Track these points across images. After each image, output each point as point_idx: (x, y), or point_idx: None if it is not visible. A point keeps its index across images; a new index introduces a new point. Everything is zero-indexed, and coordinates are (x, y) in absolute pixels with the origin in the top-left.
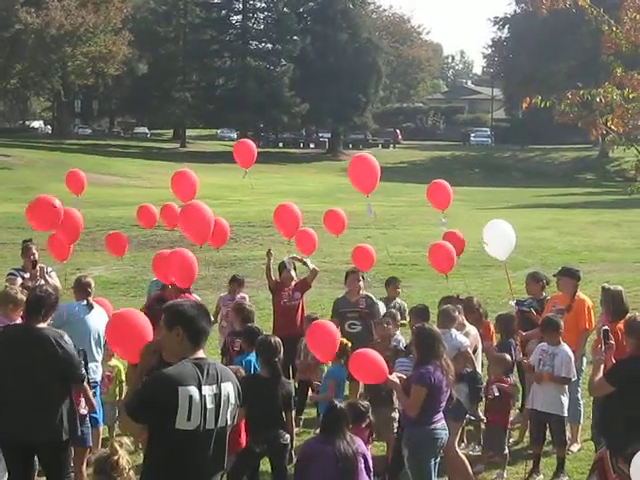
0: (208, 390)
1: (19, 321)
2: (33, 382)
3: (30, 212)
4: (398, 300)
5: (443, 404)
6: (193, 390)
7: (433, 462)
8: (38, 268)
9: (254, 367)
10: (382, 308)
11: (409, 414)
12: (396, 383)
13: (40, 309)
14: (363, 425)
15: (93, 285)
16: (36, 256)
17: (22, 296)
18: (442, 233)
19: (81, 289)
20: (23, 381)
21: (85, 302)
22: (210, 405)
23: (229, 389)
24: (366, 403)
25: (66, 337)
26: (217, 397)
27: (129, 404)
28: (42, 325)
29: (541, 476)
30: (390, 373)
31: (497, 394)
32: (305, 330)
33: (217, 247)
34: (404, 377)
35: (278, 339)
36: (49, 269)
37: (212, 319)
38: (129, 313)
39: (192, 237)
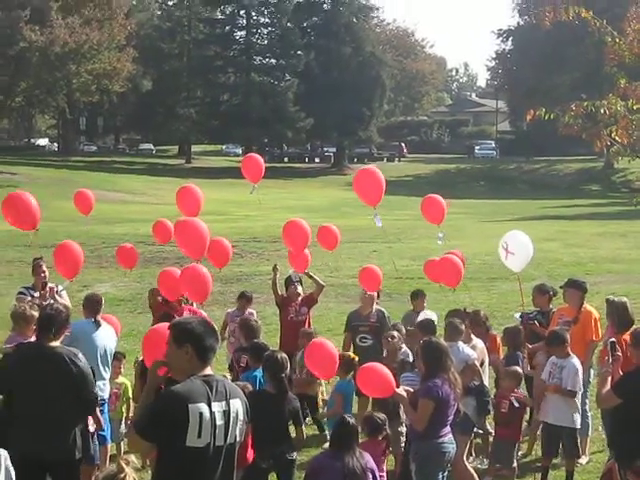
0: (217, 407)
1: (33, 339)
2: (47, 400)
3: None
4: (427, 312)
5: (451, 418)
6: (203, 407)
7: (441, 476)
8: (48, 288)
9: (260, 383)
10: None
11: (417, 428)
12: (403, 397)
13: (51, 327)
14: (380, 437)
15: (103, 302)
16: (47, 274)
17: (33, 312)
18: (444, 247)
19: (90, 306)
20: (37, 399)
21: (93, 319)
22: (220, 422)
23: (238, 406)
24: (383, 416)
25: (80, 355)
26: (226, 414)
27: (138, 423)
28: (55, 343)
29: None
30: (397, 387)
31: (517, 405)
32: (301, 345)
33: (220, 267)
34: (411, 390)
35: (285, 355)
36: (60, 288)
37: (219, 336)
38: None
39: (187, 252)
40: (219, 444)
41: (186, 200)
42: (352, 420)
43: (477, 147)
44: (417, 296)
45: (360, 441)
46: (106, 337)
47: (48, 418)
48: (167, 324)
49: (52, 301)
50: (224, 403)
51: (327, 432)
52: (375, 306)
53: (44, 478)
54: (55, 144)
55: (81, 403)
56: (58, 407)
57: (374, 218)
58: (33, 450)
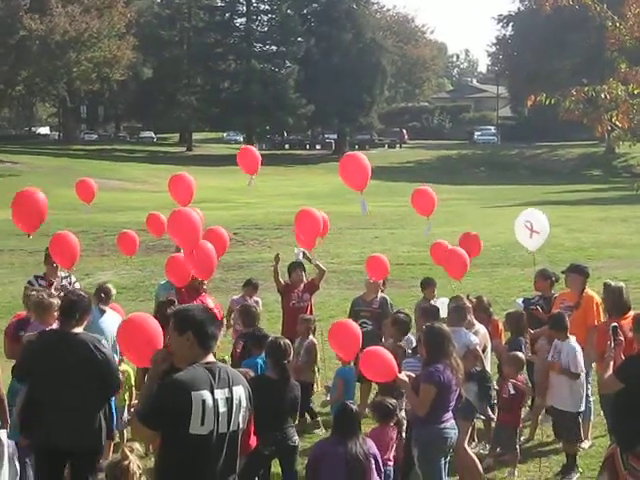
0: (220, 394)
1: (55, 326)
2: (70, 388)
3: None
4: (442, 299)
5: (452, 403)
6: (206, 394)
7: (443, 461)
8: (60, 286)
9: (261, 369)
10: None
11: (418, 413)
12: (405, 382)
13: (74, 313)
14: (392, 423)
15: (111, 294)
16: (58, 265)
17: (51, 300)
18: (459, 234)
19: (97, 294)
20: (60, 387)
21: (97, 306)
22: (222, 409)
23: (240, 392)
24: (394, 401)
25: (104, 341)
26: (229, 401)
27: (141, 411)
28: (78, 330)
29: (577, 474)
30: (400, 372)
31: (513, 392)
32: (299, 331)
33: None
34: (413, 376)
35: (288, 341)
36: (73, 279)
37: (221, 323)
38: (139, 318)
39: (180, 243)
40: (222, 431)
41: (179, 188)
42: (354, 406)
43: (477, 133)
44: (427, 284)
45: (372, 427)
46: (111, 324)
47: (72, 406)
48: (143, 314)
49: (76, 290)
50: (227, 390)
51: (318, 418)
52: (379, 293)
53: (64, 465)
54: (57, 133)
55: (105, 388)
56: (82, 394)
57: (361, 204)
58: (60, 438)
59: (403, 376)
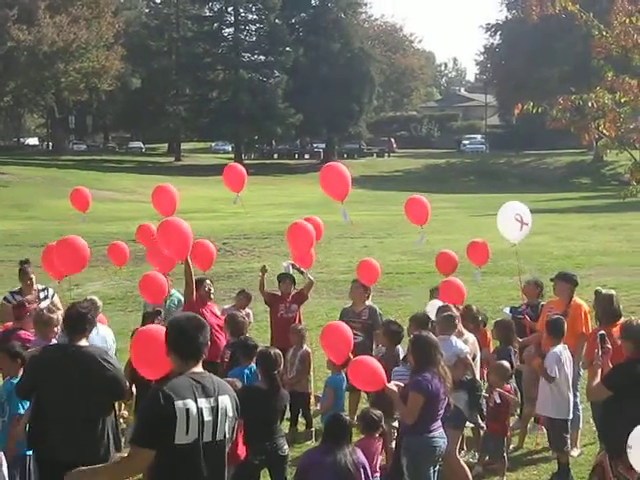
0: (205, 403)
1: (54, 341)
2: (79, 401)
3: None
4: (433, 301)
5: (441, 412)
6: (190, 403)
7: (432, 470)
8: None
9: (248, 379)
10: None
11: (406, 422)
12: (394, 391)
13: (84, 326)
14: (376, 435)
15: (99, 305)
16: (33, 280)
17: (51, 315)
18: (449, 242)
19: None
20: (69, 401)
21: None
22: (207, 418)
23: (226, 402)
24: (379, 412)
25: (110, 352)
26: (214, 410)
27: (134, 435)
28: (84, 343)
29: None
30: (389, 381)
31: (498, 401)
32: (293, 341)
33: (204, 270)
34: (402, 385)
35: (278, 351)
36: (51, 292)
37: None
38: (153, 331)
39: (171, 253)
40: (207, 440)
41: (162, 199)
42: (346, 416)
43: (466, 141)
44: (436, 292)
45: (357, 439)
46: (102, 336)
47: (79, 419)
48: (155, 326)
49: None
50: (212, 399)
51: (312, 428)
52: (367, 302)
53: None
54: (46, 143)
55: (112, 400)
56: (89, 407)
57: (342, 213)
58: (63, 452)
59: (392, 385)
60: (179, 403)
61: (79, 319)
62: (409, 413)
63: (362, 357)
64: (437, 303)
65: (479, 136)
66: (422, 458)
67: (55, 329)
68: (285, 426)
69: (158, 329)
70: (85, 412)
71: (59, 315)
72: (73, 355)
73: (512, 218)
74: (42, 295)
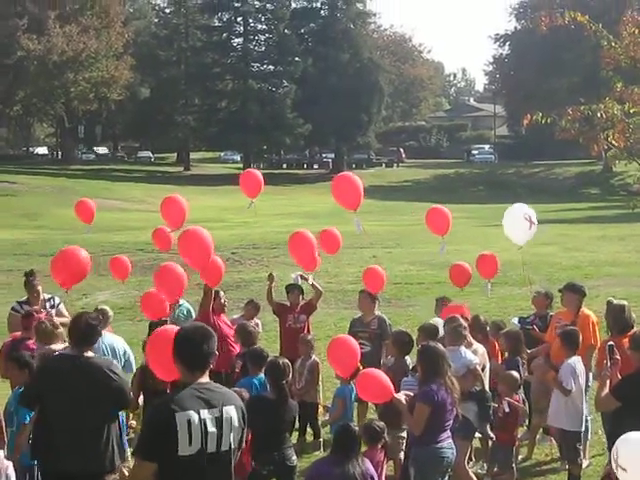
0: (208, 414)
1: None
2: (84, 412)
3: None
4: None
5: (449, 423)
6: (192, 414)
7: None
8: (43, 309)
9: (256, 390)
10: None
11: (413, 432)
12: (401, 402)
13: (93, 337)
14: (379, 446)
15: (110, 314)
16: (39, 291)
17: (53, 328)
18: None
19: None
20: (74, 411)
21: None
22: (211, 429)
23: (232, 412)
24: (382, 424)
25: (116, 362)
26: (219, 420)
27: (137, 447)
28: (90, 354)
29: None
30: (397, 391)
31: (507, 410)
32: (301, 352)
33: (213, 286)
34: (411, 395)
35: (287, 361)
36: (57, 301)
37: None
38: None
39: (191, 263)
40: (212, 451)
41: (171, 211)
42: (355, 427)
43: (475, 151)
44: (441, 301)
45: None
46: (112, 345)
47: (84, 429)
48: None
49: (87, 315)
50: (216, 410)
51: (321, 439)
52: (376, 312)
53: None
54: (54, 152)
55: (118, 410)
56: (94, 418)
57: (355, 224)
58: (68, 462)
59: (400, 396)
60: (180, 415)
61: (88, 330)
62: (416, 424)
63: (370, 370)
64: (439, 321)
65: (487, 146)
66: (429, 469)
67: (57, 340)
68: (294, 436)
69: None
70: (91, 422)
71: (61, 327)
72: (81, 366)
73: (521, 218)
74: (48, 305)
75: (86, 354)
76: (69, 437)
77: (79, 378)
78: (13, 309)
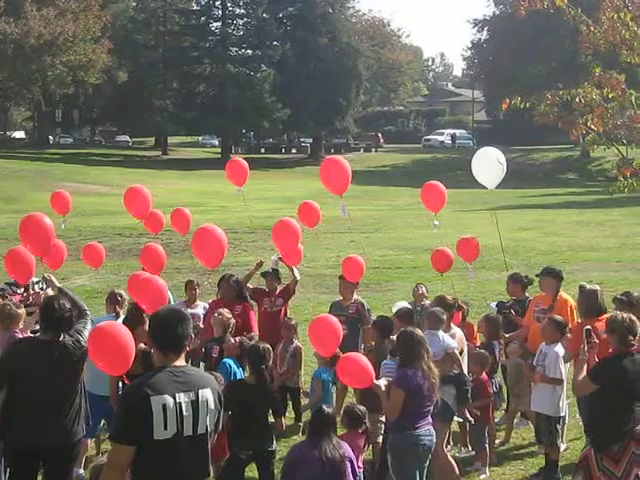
0: (184, 397)
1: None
2: (52, 391)
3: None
4: (427, 302)
5: (427, 409)
6: (167, 398)
7: (417, 467)
8: (32, 292)
9: (232, 371)
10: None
11: (389, 417)
12: (380, 387)
13: (67, 328)
14: (360, 430)
15: (125, 297)
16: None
17: (18, 310)
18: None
19: (112, 300)
20: (43, 390)
21: (114, 314)
22: (186, 412)
23: (208, 395)
24: (363, 408)
25: (83, 336)
26: (194, 404)
27: (113, 433)
28: (63, 338)
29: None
30: (377, 376)
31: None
32: (284, 336)
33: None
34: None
35: (267, 346)
36: (44, 285)
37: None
38: (111, 326)
39: (204, 261)
40: (188, 434)
41: (134, 201)
42: (329, 409)
43: (431, 137)
44: (419, 286)
45: (340, 434)
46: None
47: (47, 405)
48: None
49: (60, 300)
50: (192, 393)
51: (302, 423)
52: (355, 297)
53: (38, 466)
54: (32, 136)
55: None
56: (61, 392)
57: (340, 208)
58: (38, 436)
59: (380, 382)
60: (155, 399)
61: (67, 320)
62: (391, 409)
63: (351, 354)
64: (401, 304)
65: (447, 131)
66: (406, 455)
67: (20, 324)
68: (290, 419)
69: (113, 325)
70: (59, 400)
71: (23, 310)
72: (54, 350)
73: (494, 162)
74: (37, 287)
75: (60, 339)
76: (37, 415)
77: (52, 363)
78: (1, 290)
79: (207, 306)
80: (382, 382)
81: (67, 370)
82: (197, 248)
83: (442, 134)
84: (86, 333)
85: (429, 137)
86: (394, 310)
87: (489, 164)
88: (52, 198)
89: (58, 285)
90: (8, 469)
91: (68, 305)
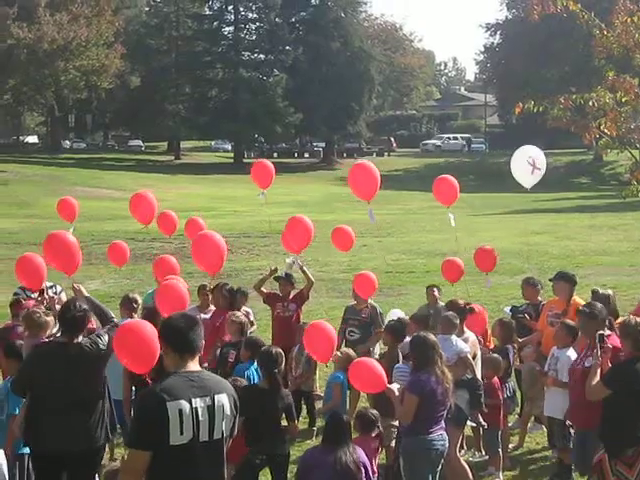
0: (200, 402)
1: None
2: (74, 395)
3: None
4: (440, 304)
5: (441, 414)
6: (183, 404)
7: (430, 472)
8: (47, 296)
9: (252, 378)
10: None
11: (402, 421)
12: (393, 392)
13: (79, 328)
14: (373, 434)
15: (140, 302)
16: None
17: (46, 318)
18: (450, 242)
19: (127, 305)
20: (64, 395)
21: (129, 319)
22: (202, 417)
23: (224, 400)
24: (375, 412)
25: (102, 340)
26: (210, 409)
27: (129, 438)
28: (78, 340)
29: None
30: (390, 380)
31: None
32: (299, 341)
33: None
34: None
35: (280, 350)
36: (59, 289)
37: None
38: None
39: (204, 267)
40: (204, 439)
41: (140, 206)
42: (345, 415)
43: (430, 141)
44: (428, 290)
45: (353, 438)
46: None
47: (72, 410)
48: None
49: (76, 302)
50: (208, 398)
51: (315, 427)
52: (369, 301)
53: (62, 471)
54: (45, 141)
55: (105, 386)
56: (82, 399)
57: (368, 213)
58: (57, 443)
59: (393, 387)
60: (172, 404)
61: (75, 322)
62: (405, 414)
63: (363, 359)
64: (397, 312)
65: (451, 135)
66: (418, 459)
67: (47, 332)
68: (304, 423)
69: (139, 322)
70: (81, 405)
71: (52, 317)
72: (71, 353)
73: (524, 161)
74: (51, 292)
75: (76, 340)
76: (60, 419)
77: (69, 364)
78: (16, 294)
79: None
80: (395, 386)
81: (85, 371)
82: (196, 254)
83: (441, 138)
84: (106, 337)
85: (426, 142)
86: (390, 318)
87: (521, 165)
88: (59, 205)
89: (86, 294)
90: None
91: (85, 306)
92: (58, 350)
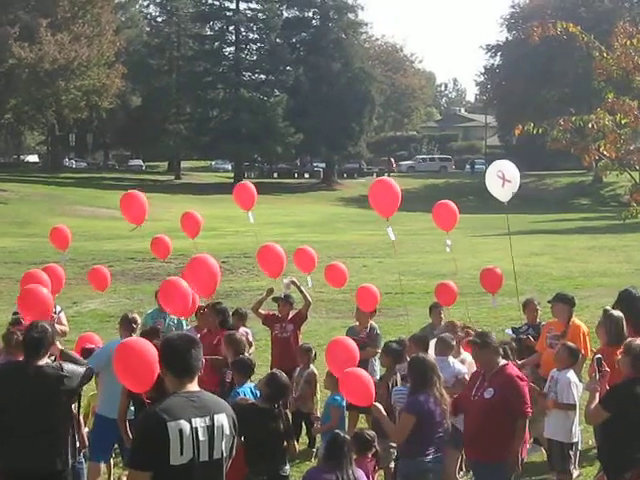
0: (200, 422)
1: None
2: (36, 416)
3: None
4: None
5: (438, 435)
6: (183, 424)
7: None
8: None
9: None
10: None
11: (395, 440)
12: (379, 410)
13: (40, 348)
14: (369, 455)
15: (138, 322)
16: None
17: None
18: (449, 262)
19: (125, 325)
20: (25, 417)
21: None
22: (202, 437)
23: (223, 420)
24: (372, 433)
25: (66, 366)
26: (210, 429)
27: (130, 458)
28: (42, 362)
29: None
30: (389, 405)
31: None
32: (300, 361)
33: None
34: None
35: (289, 382)
36: (58, 308)
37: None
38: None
39: (198, 289)
40: (204, 459)
41: (131, 207)
42: (345, 435)
43: (407, 162)
44: (432, 309)
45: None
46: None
47: (34, 432)
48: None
49: (38, 324)
50: (207, 418)
51: (315, 448)
52: (370, 322)
53: None
54: (45, 160)
55: (70, 411)
56: (48, 421)
57: (387, 230)
58: (23, 464)
59: (379, 405)
60: (172, 424)
61: (35, 343)
62: (398, 433)
63: (355, 369)
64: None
65: (427, 157)
66: None
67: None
68: (303, 444)
69: (139, 341)
70: (43, 425)
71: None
72: (30, 374)
73: (495, 175)
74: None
75: (38, 363)
76: (23, 441)
77: (27, 385)
78: (15, 313)
79: None
80: (381, 405)
81: (44, 393)
82: (190, 277)
83: (416, 159)
84: (72, 367)
85: (401, 163)
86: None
87: (493, 180)
88: (51, 234)
89: (61, 348)
90: None
91: (48, 327)
92: (16, 370)
